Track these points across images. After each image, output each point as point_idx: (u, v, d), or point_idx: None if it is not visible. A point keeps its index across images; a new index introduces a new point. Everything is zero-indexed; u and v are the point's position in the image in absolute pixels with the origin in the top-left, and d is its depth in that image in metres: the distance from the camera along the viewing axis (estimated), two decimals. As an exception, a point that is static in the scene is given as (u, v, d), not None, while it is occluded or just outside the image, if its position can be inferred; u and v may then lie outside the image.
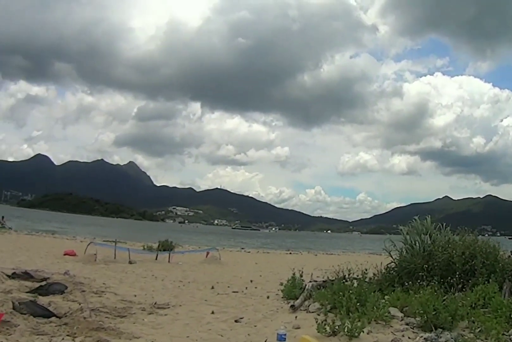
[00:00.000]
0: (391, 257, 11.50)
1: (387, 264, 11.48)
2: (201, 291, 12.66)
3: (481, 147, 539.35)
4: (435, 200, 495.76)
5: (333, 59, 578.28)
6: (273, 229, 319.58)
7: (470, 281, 9.37)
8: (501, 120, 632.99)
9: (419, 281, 9.53)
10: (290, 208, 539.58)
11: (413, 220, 11.81)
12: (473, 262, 9.63)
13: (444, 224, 11.52)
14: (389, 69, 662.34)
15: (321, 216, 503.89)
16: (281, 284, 12.23)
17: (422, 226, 11.50)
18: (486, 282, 8.94)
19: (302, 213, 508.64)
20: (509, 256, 10.55)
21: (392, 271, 10.99)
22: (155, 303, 9.91)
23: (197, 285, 14.02)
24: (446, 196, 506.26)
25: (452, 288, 9.24)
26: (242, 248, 41.84)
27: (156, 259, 22.09)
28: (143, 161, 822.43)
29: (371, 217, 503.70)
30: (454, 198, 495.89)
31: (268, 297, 11.56)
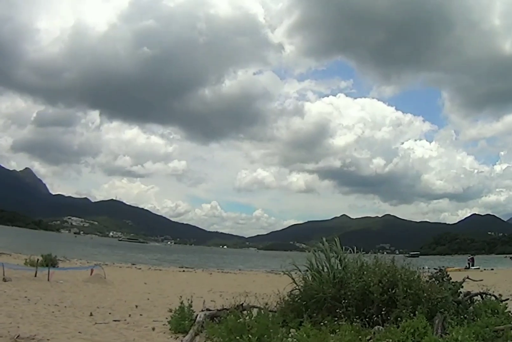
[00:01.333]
0: (295, 282, 10.17)
1: (291, 291, 10.10)
2: (77, 319, 10.64)
3: (380, 168, 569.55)
4: (333, 218, 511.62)
5: (236, 74, 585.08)
6: (169, 242, 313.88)
7: (391, 312, 8.23)
8: (402, 143, 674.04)
9: (331, 313, 8.44)
10: (185, 222, 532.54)
11: (319, 241, 10.64)
12: (393, 291, 8.42)
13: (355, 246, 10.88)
14: (291, 88, 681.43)
15: (217, 231, 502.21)
16: (170, 310, 10.66)
17: (330, 249, 10.35)
18: (411, 314, 7.83)
19: (198, 227, 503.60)
20: (429, 280, 9.62)
21: (297, 299, 9.60)
22: (18, 336, 8.10)
23: (74, 311, 11.92)
24: (344, 214, 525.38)
25: (371, 321, 8.15)
26: (133, 264, 38.84)
27: (35, 276, 19.45)
28: (39, 168, 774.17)
29: (267, 234, 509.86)
30: (352, 217, 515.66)
31: (153, 329, 9.75)
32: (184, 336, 8.28)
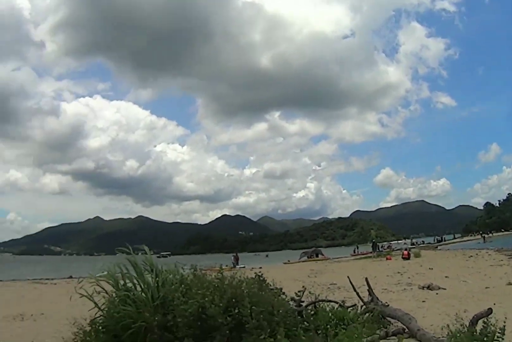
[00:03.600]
0: (97, 307, 6.99)
1: (93, 319, 6.93)
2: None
3: (133, 170, 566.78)
4: (86, 220, 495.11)
5: None
6: None
7: (240, 339, 6.09)
8: (155, 146, 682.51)
9: None
10: None
11: (120, 249, 7.55)
12: (236, 311, 6.19)
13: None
14: (49, 87, 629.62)
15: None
16: None
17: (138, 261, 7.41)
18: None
19: None
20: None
21: (104, 330, 6.65)
22: None
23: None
24: (97, 216, 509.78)
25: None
26: None
27: None
28: None
29: (22, 238, 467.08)
30: (105, 219, 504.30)
31: None
32: None
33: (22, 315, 12.84)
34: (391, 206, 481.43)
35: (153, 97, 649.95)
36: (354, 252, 65.03)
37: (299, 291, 8.28)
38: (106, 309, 6.81)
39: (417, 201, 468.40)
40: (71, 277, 37.15)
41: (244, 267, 43.91)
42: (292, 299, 8.17)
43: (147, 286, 6.88)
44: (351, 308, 8.46)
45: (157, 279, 7.05)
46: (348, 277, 10.35)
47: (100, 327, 6.63)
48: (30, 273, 48.75)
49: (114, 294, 6.93)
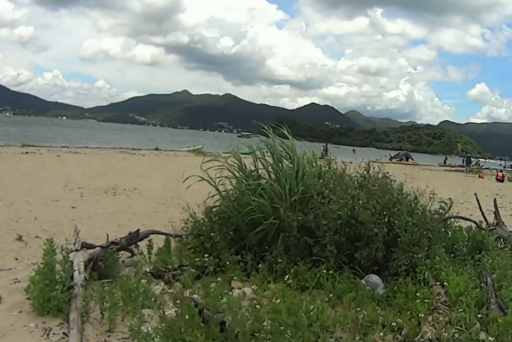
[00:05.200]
0: (220, 194, 6.15)
1: (212, 206, 6.16)
2: None
3: (228, 48, 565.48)
4: (174, 92, 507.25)
5: None
6: (7, 113, 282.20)
7: (390, 255, 5.22)
8: (252, 26, 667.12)
9: (302, 253, 5.33)
10: (26, 92, 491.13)
11: (257, 126, 6.55)
12: (386, 221, 5.27)
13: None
14: None
15: (57, 102, 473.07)
16: (20, 238, 6.48)
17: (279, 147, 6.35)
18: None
19: (38, 97, 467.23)
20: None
21: (221, 222, 5.82)
22: None
23: None
24: (185, 90, 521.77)
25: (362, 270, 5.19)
26: None
27: None
28: None
29: (107, 105, 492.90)
30: (193, 93, 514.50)
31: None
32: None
33: (114, 189, 11.79)
34: (481, 123, 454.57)
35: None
36: (444, 163, 62.22)
37: (441, 202, 6.33)
38: (229, 197, 6.15)
39: (508, 123, 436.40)
40: (157, 149, 37.78)
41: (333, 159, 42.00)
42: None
43: (287, 177, 5.96)
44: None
45: (297, 170, 6.19)
46: (475, 194, 8.89)
47: (217, 218, 5.96)
48: (116, 141, 49.93)
49: (243, 181, 6.20)
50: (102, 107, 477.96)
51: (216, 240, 5.59)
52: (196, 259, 5.37)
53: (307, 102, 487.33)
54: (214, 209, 6.18)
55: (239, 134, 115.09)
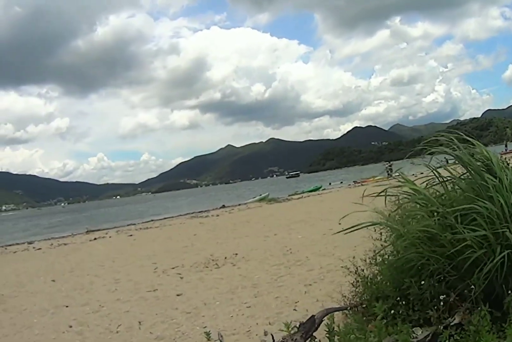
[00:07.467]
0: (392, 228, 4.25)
1: (376, 253, 4.32)
2: None
3: (260, 94, 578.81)
4: (218, 150, 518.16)
5: (108, 20, 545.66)
6: (62, 204, 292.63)
7: None
8: (279, 67, 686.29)
9: None
10: (75, 180, 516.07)
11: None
12: None
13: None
14: (166, 27, 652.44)
15: (107, 183, 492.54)
16: None
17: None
18: None
19: (88, 183, 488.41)
20: None
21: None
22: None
23: None
24: (229, 144, 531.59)
25: None
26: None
27: None
28: None
29: (157, 176, 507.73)
30: (237, 146, 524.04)
31: None
32: None
33: (214, 260, 9.80)
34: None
35: (270, 19, 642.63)
36: (505, 150, 57.67)
37: None
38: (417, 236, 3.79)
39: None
40: (223, 206, 36.11)
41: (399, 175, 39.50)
42: None
43: (499, 192, 3.48)
44: None
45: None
46: None
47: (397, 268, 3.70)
48: (178, 208, 48.10)
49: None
50: (153, 179, 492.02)
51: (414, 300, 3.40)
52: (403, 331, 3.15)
53: (350, 128, 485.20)
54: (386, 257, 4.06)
55: (287, 176, 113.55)
